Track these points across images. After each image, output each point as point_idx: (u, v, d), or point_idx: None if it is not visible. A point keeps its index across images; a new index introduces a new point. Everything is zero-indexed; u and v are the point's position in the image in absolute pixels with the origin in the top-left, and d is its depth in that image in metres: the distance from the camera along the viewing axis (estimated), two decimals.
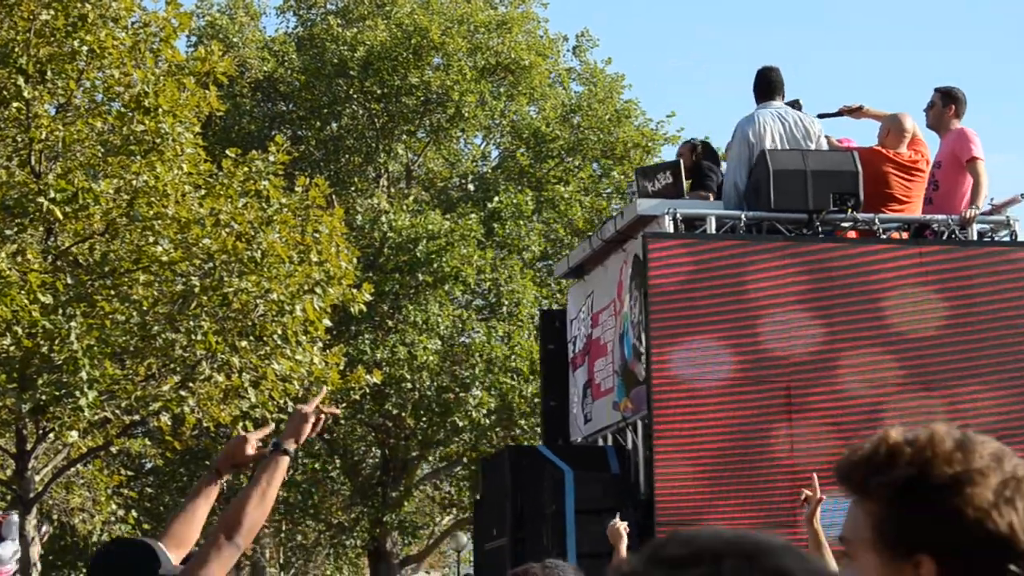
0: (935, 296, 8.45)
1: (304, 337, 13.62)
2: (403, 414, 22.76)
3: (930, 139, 9.41)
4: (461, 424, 21.70)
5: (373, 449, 23.72)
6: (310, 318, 13.46)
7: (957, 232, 8.85)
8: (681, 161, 9.15)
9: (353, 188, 23.75)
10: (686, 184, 9.16)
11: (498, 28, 23.83)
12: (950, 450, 1.70)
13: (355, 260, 14.42)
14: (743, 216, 8.54)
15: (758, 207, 8.57)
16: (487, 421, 21.78)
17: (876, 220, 8.69)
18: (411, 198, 23.38)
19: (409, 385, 21.99)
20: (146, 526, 20.08)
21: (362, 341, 21.16)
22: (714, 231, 8.51)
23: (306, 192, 13.91)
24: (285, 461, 3.70)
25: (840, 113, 9.60)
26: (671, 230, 8.48)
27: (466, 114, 23.30)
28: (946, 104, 9.26)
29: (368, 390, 16.32)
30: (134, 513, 17.17)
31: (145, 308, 13.22)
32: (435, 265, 21.24)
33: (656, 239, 8.33)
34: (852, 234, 8.74)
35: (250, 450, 3.92)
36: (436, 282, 21.47)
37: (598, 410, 9.51)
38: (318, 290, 13.55)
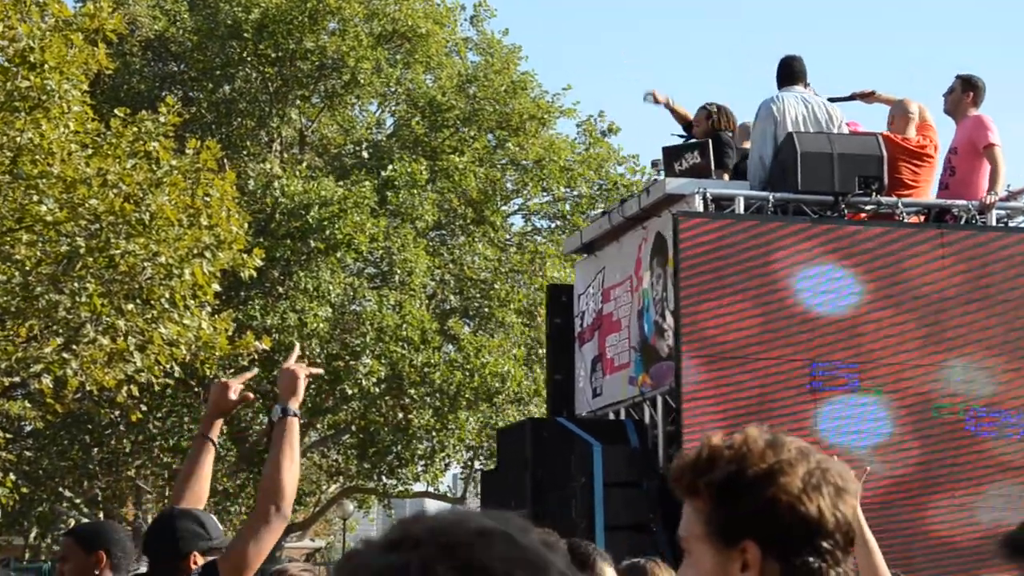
0: (956, 278, 8.62)
1: (192, 302, 13.45)
2: None
3: (945, 125, 9.55)
4: (350, 392, 21.63)
5: (260, 416, 23.53)
6: (199, 282, 13.29)
7: (977, 217, 8.97)
8: (710, 142, 9.13)
9: (245, 152, 23.45)
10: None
11: None
12: (762, 448, 1.92)
13: (246, 225, 14.26)
14: (771, 197, 8.63)
15: (784, 187, 8.68)
16: (376, 390, 21.75)
17: (900, 204, 8.81)
18: (304, 164, 23.17)
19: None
20: (24, 490, 19.71)
21: (252, 307, 20.95)
22: (742, 211, 8.59)
23: (197, 155, 13.70)
24: (295, 422, 3.75)
25: (852, 97, 9.73)
26: (701, 209, 8.53)
27: (362, 81, 23.13)
28: (965, 91, 9.40)
29: (257, 356, 16.18)
30: (12, 476, 16.83)
31: (28, 268, 12.94)
32: (327, 232, 21.08)
33: (688, 217, 8.39)
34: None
35: (233, 395, 3.98)
36: (328, 249, 21.32)
37: (610, 384, 9.57)
38: (207, 254, 13.37)
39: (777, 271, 8.39)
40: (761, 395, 8.29)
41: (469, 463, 25.04)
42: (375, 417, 22.64)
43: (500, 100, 22.93)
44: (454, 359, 21.99)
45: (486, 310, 22.99)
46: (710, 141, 9.18)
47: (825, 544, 1.89)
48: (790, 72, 9.29)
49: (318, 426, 24.14)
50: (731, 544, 1.91)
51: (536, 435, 9.15)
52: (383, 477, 24.32)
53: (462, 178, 22.58)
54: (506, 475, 9.57)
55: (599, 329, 9.82)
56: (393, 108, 24.89)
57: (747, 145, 9.45)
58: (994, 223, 8.98)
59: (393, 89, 24.13)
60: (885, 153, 8.73)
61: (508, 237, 24.09)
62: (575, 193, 23.78)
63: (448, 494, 29.37)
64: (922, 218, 9.11)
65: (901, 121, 9.34)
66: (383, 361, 21.37)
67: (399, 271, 21.83)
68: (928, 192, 9.24)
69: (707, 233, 8.35)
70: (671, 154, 9.13)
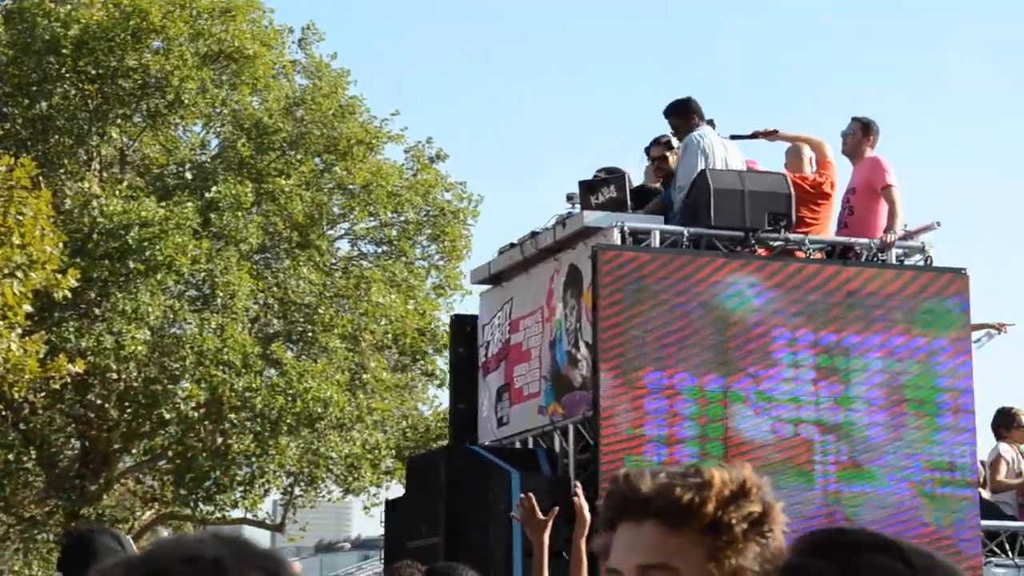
0: (855, 311, 8.98)
1: (2, 323, 13.05)
2: (107, 405, 22.05)
3: (842, 164, 9.93)
4: (168, 416, 21.19)
5: (72, 440, 22.88)
6: (8, 303, 12.90)
7: (878, 255, 9.34)
8: (627, 174, 9.44)
9: (63, 170, 22.83)
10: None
11: (222, 15, 23.37)
12: (761, 487, 1.98)
13: (61, 245, 13.91)
14: (686, 232, 8.97)
15: (696, 222, 9.02)
16: (195, 414, 21.35)
17: (806, 241, 9.21)
18: (125, 183, 22.67)
19: (115, 375, 21.32)
20: None
21: (66, 328, 20.37)
22: (658, 245, 8.92)
23: (10, 172, 13.32)
24: None
25: (755, 136, 10.04)
26: (618, 242, 8.82)
27: (186, 101, 22.76)
28: (865, 134, 9.85)
29: (70, 379, 15.75)
30: None
31: None
32: (147, 253, 20.65)
33: (606, 250, 8.69)
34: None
35: None
36: (148, 270, 20.88)
37: (517, 414, 9.77)
38: (19, 274, 13.00)
39: (691, 301, 8.73)
40: (674, 421, 8.60)
41: (289, 489, 24.72)
42: (193, 442, 22.22)
43: (328, 124, 22.81)
44: (276, 384, 21.74)
45: (310, 335, 22.80)
46: (626, 174, 9.51)
47: None
48: (698, 111, 9.65)
49: (133, 451, 23.57)
50: None
51: (450, 463, 9.19)
52: (200, 503, 23.86)
53: (288, 201, 22.38)
54: (417, 503, 9.57)
55: (506, 359, 10.04)
56: (218, 129, 24.54)
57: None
58: (894, 260, 9.39)
59: (219, 110, 23.80)
60: (793, 191, 9.11)
61: (334, 261, 23.96)
62: (402, 219, 23.79)
63: (267, 520, 28.96)
64: (824, 255, 9.50)
65: (795, 161, 9.78)
66: (203, 385, 21.00)
67: (221, 294, 21.51)
68: (827, 228, 9.67)
69: (624, 265, 8.68)
70: (588, 188, 9.35)
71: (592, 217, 9.05)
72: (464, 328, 10.63)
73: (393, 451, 25.57)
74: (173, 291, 22.03)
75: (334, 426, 22.70)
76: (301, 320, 22.87)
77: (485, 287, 10.56)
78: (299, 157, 22.69)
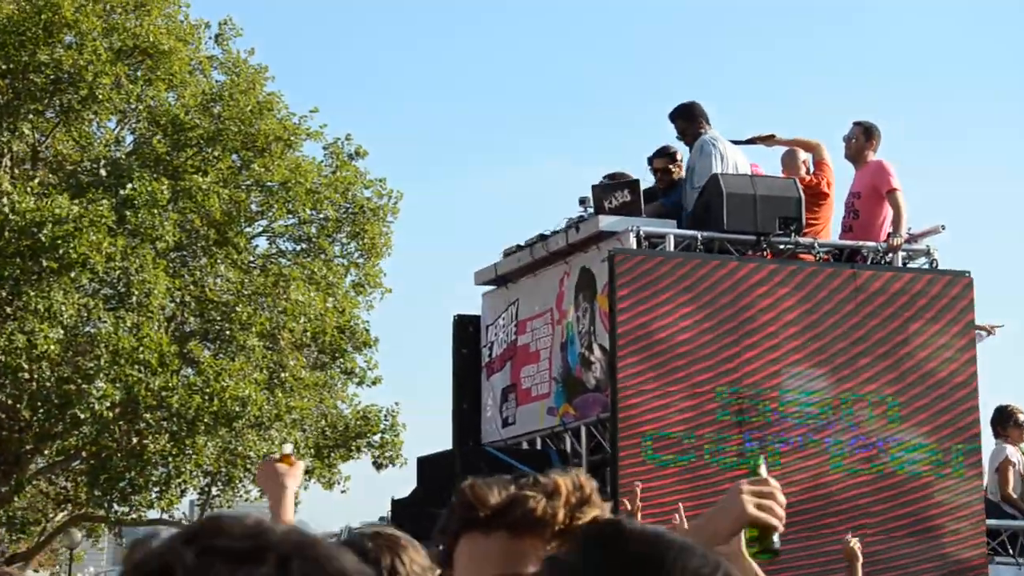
0: (867, 314, 9.16)
1: None
2: (19, 405, 21.67)
3: (840, 165, 10.07)
4: (82, 416, 20.87)
5: None
6: None
7: (885, 258, 9.52)
8: (640, 181, 9.54)
9: None
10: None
11: (136, 10, 23.06)
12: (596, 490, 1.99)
13: None
14: (699, 236, 9.09)
15: (708, 225, 9.15)
16: (110, 414, 21.05)
17: (816, 244, 9.38)
18: (37, 180, 22.28)
19: (27, 375, 20.96)
20: None
21: None
22: (672, 248, 9.02)
23: None
24: None
25: (752, 141, 10.18)
26: (634, 246, 8.91)
27: (100, 96, 22.42)
28: (868, 139, 9.99)
29: None
30: None
31: None
32: (61, 251, 20.32)
33: (623, 254, 8.81)
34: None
35: None
36: (61, 268, 20.55)
37: (524, 414, 9.88)
38: None
39: (706, 306, 8.85)
40: (693, 423, 8.72)
41: (206, 489, 24.47)
42: (108, 442, 21.92)
43: (245, 120, 22.60)
44: (193, 383, 21.51)
45: (227, 333, 22.58)
46: (639, 180, 9.64)
47: None
48: (704, 114, 9.80)
49: (46, 452, 23.19)
50: None
51: (466, 462, 9.20)
52: (115, 504, 23.54)
53: (205, 198, 22.14)
54: (427, 501, 9.57)
55: (512, 359, 10.12)
56: (133, 125, 24.20)
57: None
58: (900, 264, 9.61)
59: (133, 106, 23.47)
60: (803, 196, 9.32)
61: (252, 259, 23.75)
62: (321, 216, 23.65)
63: (184, 521, 28.65)
64: (831, 258, 9.68)
65: (791, 165, 9.97)
66: (118, 385, 20.71)
67: (137, 292, 21.22)
68: (828, 228, 9.85)
69: (640, 267, 8.80)
70: (601, 192, 9.44)
71: (607, 221, 9.18)
72: (467, 328, 10.65)
73: (312, 450, 25.43)
74: (87, 289, 21.70)
75: (252, 425, 22.49)
76: (218, 318, 22.66)
77: (487, 288, 10.61)
78: (216, 154, 22.47)
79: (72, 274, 20.65)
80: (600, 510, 1.98)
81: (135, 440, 22.10)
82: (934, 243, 9.82)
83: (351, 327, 23.87)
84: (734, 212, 9.09)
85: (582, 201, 9.68)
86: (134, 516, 24.05)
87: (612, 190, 9.45)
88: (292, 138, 23.01)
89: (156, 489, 22.89)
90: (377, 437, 29.51)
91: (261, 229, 24.07)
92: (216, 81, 24.04)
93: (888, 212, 9.82)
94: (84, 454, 22.52)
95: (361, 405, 29.51)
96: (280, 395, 23.07)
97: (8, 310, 20.94)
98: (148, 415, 21.28)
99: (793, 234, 9.25)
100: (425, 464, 10.42)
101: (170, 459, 22.17)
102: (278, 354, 22.94)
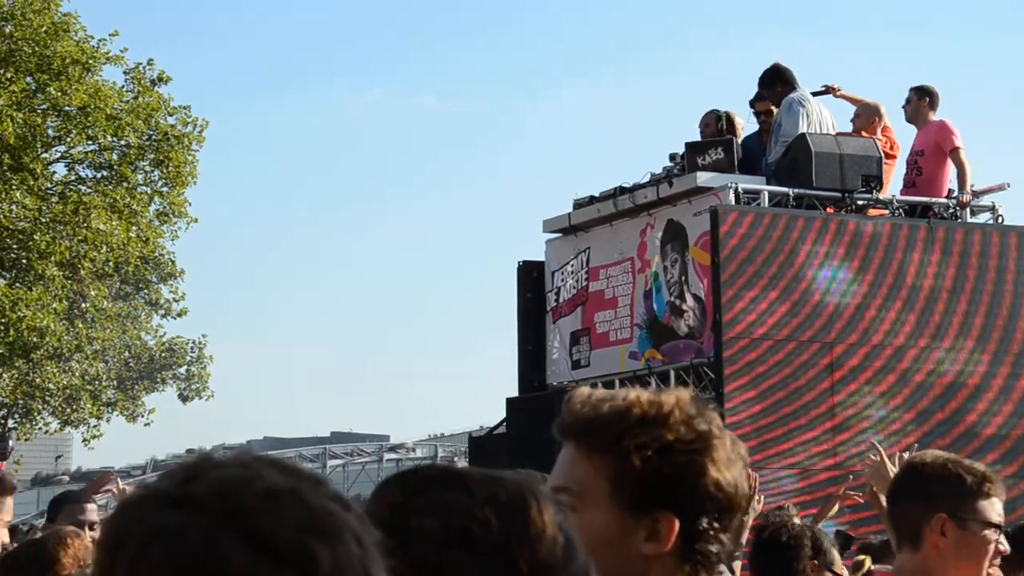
0: (942, 264, 9.74)
1: None
2: None
3: (905, 132, 10.48)
4: None
5: None
6: None
7: (957, 213, 10.02)
8: (734, 140, 10.00)
9: None
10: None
11: None
12: (693, 415, 1.81)
13: None
14: (791, 192, 9.62)
15: (795, 182, 9.66)
16: None
17: (894, 200, 9.89)
18: None
19: None
20: None
21: None
22: (766, 205, 9.50)
23: None
24: None
25: (826, 91, 10.54)
26: (732, 202, 9.41)
27: None
28: (921, 98, 10.32)
29: None
30: None
31: None
32: None
33: (726, 209, 9.31)
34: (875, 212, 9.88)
35: None
36: None
37: (601, 357, 10.39)
38: None
39: (800, 262, 9.39)
40: (787, 374, 9.21)
41: (3, 421, 23.83)
42: None
43: (40, 42, 21.76)
44: None
45: (24, 262, 21.91)
46: (734, 139, 9.99)
47: (729, 518, 1.83)
48: (792, 76, 10.16)
49: None
50: (640, 511, 1.80)
51: (557, 402, 9.21)
52: None
53: None
54: (515, 440, 9.94)
55: (583, 304, 10.63)
56: None
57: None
58: (969, 219, 10.03)
59: None
60: (883, 155, 9.76)
61: (50, 186, 23.02)
62: (123, 143, 23.00)
63: None
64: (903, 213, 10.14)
65: (867, 121, 10.28)
66: None
67: None
68: (888, 186, 10.23)
69: (740, 223, 9.28)
70: (695, 149, 9.87)
71: (704, 177, 9.63)
72: (531, 273, 11.08)
73: (115, 382, 24.95)
74: None
75: (51, 356, 21.94)
76: (15, 247, 21.96)
77: (553, 235, 10.98)
78: (9, 75, 21.63)
79: None
80: (671, 434, 1.83)
81: None
82: (998, 200, 10.33)
83: (155, 257, 23.40)
84: (821, 170, 9.63)
85: (672, 157, 10.07)
86: None
87: (706, 147, 9.90)
88: (90, 62, 22.26)
89: None
90: (183, 369, 29.14)
91: (59, 155, 23.34)
92: (7, 0, 23.13)
93: (951, 170, 10.25)
94: None
95: (167, 337, 29.03)
96: (81, 326, 22.54)
97: None
98: None
99: (874, 191, 9.76)
100: (513, 404, 10.76)
101: None
102: (78, 284, 22.37)
